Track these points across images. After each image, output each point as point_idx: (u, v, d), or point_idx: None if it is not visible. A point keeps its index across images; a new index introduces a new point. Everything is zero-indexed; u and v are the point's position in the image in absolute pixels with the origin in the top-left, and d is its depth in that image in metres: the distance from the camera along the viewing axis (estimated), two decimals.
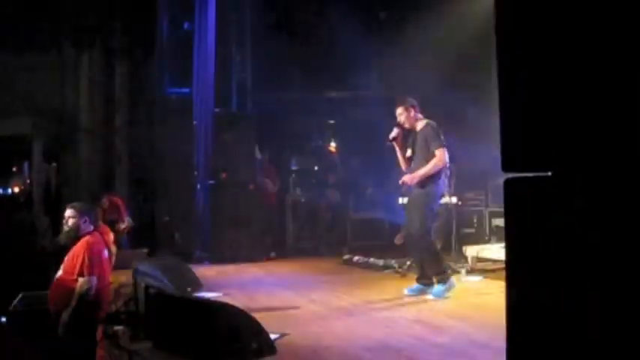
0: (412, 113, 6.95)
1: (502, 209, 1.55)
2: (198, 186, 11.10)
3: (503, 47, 1.54)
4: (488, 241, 9.58)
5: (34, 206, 12.41)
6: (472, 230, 10.45)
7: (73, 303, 4.94)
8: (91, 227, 5.36)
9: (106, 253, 5.41)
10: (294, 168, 12.41)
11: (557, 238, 1.42)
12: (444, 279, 6.73)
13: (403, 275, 8.40)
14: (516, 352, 1.51)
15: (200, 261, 10.32)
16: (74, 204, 5.51)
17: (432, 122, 6.94)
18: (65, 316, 4.94)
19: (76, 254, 5.14)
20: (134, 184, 11.97)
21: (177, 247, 10.49)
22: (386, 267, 8.94)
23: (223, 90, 11.67)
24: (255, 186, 10.87)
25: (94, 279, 5.05)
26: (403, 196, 9.09)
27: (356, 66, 12.51)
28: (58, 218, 5.89)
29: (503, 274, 1.57)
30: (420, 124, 6.96)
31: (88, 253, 5.07)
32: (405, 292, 6.95)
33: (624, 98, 1.32)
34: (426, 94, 8.27)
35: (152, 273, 6.69)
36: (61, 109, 12.39)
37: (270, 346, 4.75)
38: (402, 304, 6.55)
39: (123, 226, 9.86)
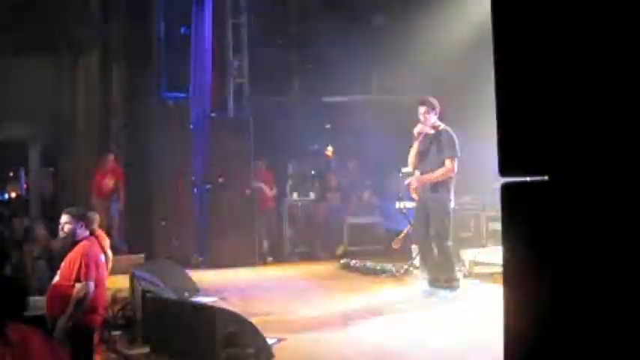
0: (433, 115, 7.07)
1: (499, 213, 1.55)
2: (195, 191, 11.09)
3: (500, 52, 1.55)
4: (485, 245, 9.57)
5: (31, 211, 12.38)
6: (469, 234, 10.45)
7: (70, 308, 4.92)
8: (87, 232, 5.35)
9: (102, 258, 5.39)
10: (291, 173, 12.39)
11: (553, 242, 1.43)
12: (455, 285, 6.77)
13: (400, 279, 8.40)
14: (514, 355, 1.52)
15: (197, 266, 10.31)
16: (70, 209, 5.48)
17: (450, 130, 7.04)
18: (62, 321, 4.92)
19: (72, 260, 5.12)
20: (131, 189, 11.94)
21: (174, 252, 10.47)
22: (383, 271, 8.93)
23: (220, 95, 11.67)
24: (252, 191, 10.86)
25: (91, 284, 5.03)
26: (401, 200, 9.11)
27: (352, 71, 12.52)
28: (54, 223, 5.87)
29: (501, 277, 1.57)
30: (438, 129, 7.08)
31: (85, 259, 5.05)
32: (418, 294, 7.10)
33: (621, 103, 1.33)
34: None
35: (149, 278, 6.69)
36: (58, 114, 12.37)
37: (267, 351, 4.75)
38: (400, 308, 6.55)
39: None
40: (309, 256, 11.31)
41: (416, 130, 7.11)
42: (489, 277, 7.99)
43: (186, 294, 7.51)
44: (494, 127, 1.54)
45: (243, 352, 4.72)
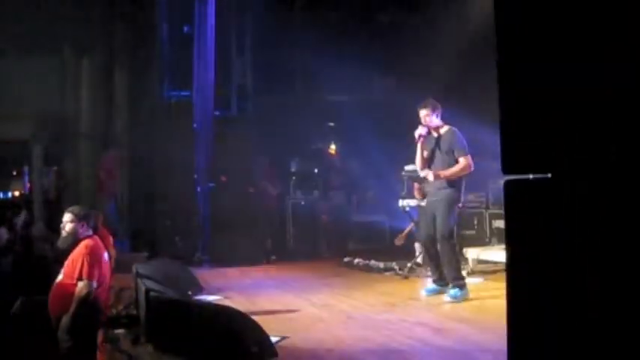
0: (436, 116, 6.97)
1: (502, 211, 1.55)
2: (199, 189, 11.10)
3: (503, 51, 1.54)
4: (488, 243, 9.57)
5: (34, 210, 12.40)
6: (473, 232, 10.44)
7: (73, 307, 4.93)
8: (90, 231, 5.35)
9: (105, 256, 5.40)
10: (294, 171, 12.40)
11: (557, 240, 1.43)
12: (461, 284, 6.75)
13: (404, 277, 8.40)
14: (518, 353, 1.51)
15: (200, 264, 10.32)
16: (72, 208, 5.49)
17: (454, 128, 6.96)
18: (65, 320, 4.93)
19: (75, 259, 5.13)
20: (135, 187, 11.96)
21: (178, 251, 10.50)
22: (386, 269, 8.93)
23: (223, 93, 11.68)
24: (256, 189, 10.87)
25: (94, 283, 5.04)
26: (403, 198, 9.11)
27: (356, 69, 12.52)
28: (58, 222, 5.89)
29: (504, 275, 1.57)
30: (442, 129, 6.98)
31: (88, 258, 5.06)
32: (423, 293, 7.07)
33: (623, 101, 1.33)
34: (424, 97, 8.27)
35: (153, 276, 6.69)
36: (62, 113, 12.39)
37: (270, 350, 4.74)
38: (403, 307, 6.55)
39: None
40: (312, 255, 11.31)
41: (416, 133, 7.01)
42: (493, 275, 7.99)
43: (190, 292, 7.52)
44: (498, 126, 1.54)
45: (247, 350, 4.71)
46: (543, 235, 1.45)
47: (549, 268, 1.44)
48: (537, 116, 1.47)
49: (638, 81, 1.30)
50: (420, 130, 6.97)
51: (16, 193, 15.15)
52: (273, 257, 11.11)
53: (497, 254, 8.12)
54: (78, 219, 5.30)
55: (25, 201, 13.56)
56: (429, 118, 6.95)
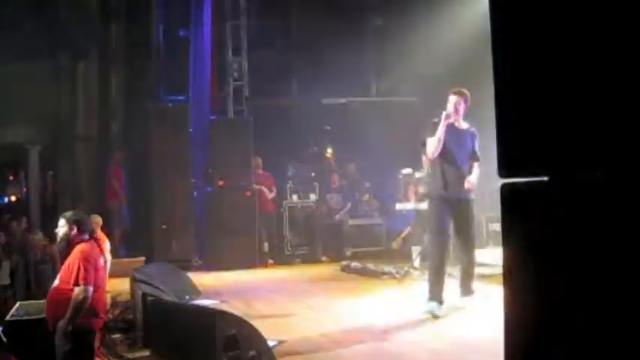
0: (464, 107, 6.31)
1: (499, 214, 1.55)
2: (195, 193, 11.09)
3: (498, 53, 1.54)
4: (485, 246, 9.57)
5: (31, 215, 12.37)
6: None
7: (69, 312, 4.92)
8: (85, 236, 5.34)
9: (101, 261, 5.39)
10: (291, 175, 12.40)
11: (553, 243, 1.42)
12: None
13: (401, 281, 8.40)
14: (514, 356, 1.51)
15: (197, 268, 10.31)
16: (65, 213, 5.49)
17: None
18: (62, 325, 4.92)
19: (71, 263, 5.12)
20: (131, 191, 11.95)
21: (175, 255, 10.48)
22: (384, 273, 8.93)
23: (219, 97, 11.68)
24: (252, 193, 10.86)
25: (90, 288, 5.02)
26: (401, 201, 9.10)
27: (352, 72, 12.53)
28: (54, 227, 5.88)
29: (501, 278, 1.57)
30: (465, 124, 6.40)
31: (83, 262, 5.05)
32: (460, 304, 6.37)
33: (621, 103, 1.33)
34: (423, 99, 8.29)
35: (150, 281, 6.68)
36: (58, 117, 12.37)
37: (268, 353, 4.74)
38: (400, 310, 6.54)
39: None
40: (309, 258, 11.31)
41: (445, 113, 6.17)
42: (490, 278, 7.99)
43: (187, 297, 7.51)
44: (494, 128, 1.54)
45: (244, 354, 4.71)
46: (540, 239, 1.45)
47: (546, 271, 1.44)
48: (534, 119, 1.47)
49: (637, 82, 1.30)
50: (450, 111, 6.21)
51: (13, 198, 15.10)
52: (271, 261, 11.11)
53: (494, 257, 8.12)
54: (69, 224, 5.29)
55: (22, 206, 13.52)
56: (460, 107, 6.27)
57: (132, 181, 11.93)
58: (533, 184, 1.46)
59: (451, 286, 6.41)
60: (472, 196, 6.34)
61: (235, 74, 11.44)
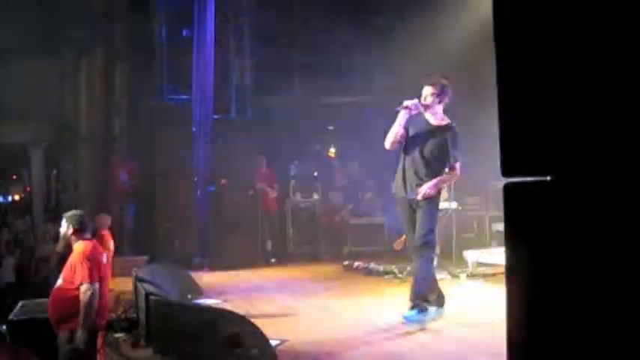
0: (439, 102, 5.73)
1: (502, 214, 1.54)
2: (198, 192, 11.10)
3: (502, 52, 1.54)
4: (488, 246, 9.56)
5: (34, 213, 12.39)
6: (472, 235, 10.44)
7: (82, 316, 4.91)
8: (87, 235, 5.35)
9: (104, 259, 5.40)
10: (293, 173, 12.41)
11: (557, 243, 1.42)
12: (441, 303, 5.98)
13: (403, 281, 8.39)
14: (517, 357, 1.51)
15: (200, 267, 10.31)
16: (66, 213, 5.51)
17: (455, 126, 5.82)
18: (80, 333, 4.91)
19: (73, 263, 5.12)
20: (134, 191, 11.97)
21: (177, 254, 10.49)
22: (386, 272, 8.92)
23: (222, 96, 11.68)
24: (255, 192, 10.87)
25: (96, 286, 5.03)
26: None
27: (355, 71, 12.52)
28: (58, 226, 5.90)
29: (504, 278, 1.57)
30: (443, 121, 5.80)
31: (86, 262, 5.05)
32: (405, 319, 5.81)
33: (624, 102, 1.32)
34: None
35: (152, 280, 6.69)
36: (61, 116, 12.39)
37: (270, 353, 4.74)
38: (402, 310, 6.53)
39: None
40: (312, 257, 11.32)
41: (405, 102, 5.62)
42: (493, 277, 7.98)
43: (190, 296, 7.51)
44: (497, 127, 1.53)
45: (247, 353, 4.71)
46: (543, 238, 1.44)
47: (549, 271, 1.43)
48: (537, 118, 1.46)
49: (638, 81, 1.30)
50: (411, 102, 5.63)
51: (17, 197, 15.13)
52: (273, 260, 11.11)
53: (497, 257, 8.12)
54: (69, 223, 5.30)
55: (26, 205, 13.55)
56: (431, 99, 5.69)
57: (134, 180, 11.95)
58: (535, 184, 1.46)
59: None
60: (431, 198, 5.65)
61: (238, 73, 11.45)
